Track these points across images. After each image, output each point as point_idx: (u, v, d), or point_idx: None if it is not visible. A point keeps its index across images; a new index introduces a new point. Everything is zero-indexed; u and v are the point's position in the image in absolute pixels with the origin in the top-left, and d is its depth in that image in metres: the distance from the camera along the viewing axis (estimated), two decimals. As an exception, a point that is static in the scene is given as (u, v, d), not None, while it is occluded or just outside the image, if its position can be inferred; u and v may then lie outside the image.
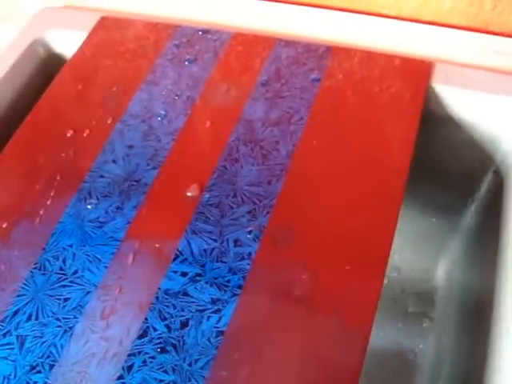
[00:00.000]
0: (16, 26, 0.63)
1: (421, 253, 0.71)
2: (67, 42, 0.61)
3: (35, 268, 0.44)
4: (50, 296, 0.42)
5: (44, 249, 0.45)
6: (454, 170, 0.61)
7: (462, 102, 0.53)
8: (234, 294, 0.41)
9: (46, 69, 0.61)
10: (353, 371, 0.37)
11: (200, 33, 0.58)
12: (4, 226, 0.46)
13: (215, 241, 0.43)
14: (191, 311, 0.40)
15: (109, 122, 0.52)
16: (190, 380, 0.38)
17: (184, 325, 0.40)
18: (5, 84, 0.57)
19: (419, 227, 0.67)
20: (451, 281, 0.69)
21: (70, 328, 0.41)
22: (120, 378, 0.38)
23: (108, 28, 0.60)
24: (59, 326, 0.41)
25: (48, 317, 0.41)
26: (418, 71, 0.53)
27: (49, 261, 0.44)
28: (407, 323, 0.70)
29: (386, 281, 0.72)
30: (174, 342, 0.39)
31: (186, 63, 0.55)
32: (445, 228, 0.68)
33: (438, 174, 0.61)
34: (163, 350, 0.39)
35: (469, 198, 0.63)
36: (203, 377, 0.38)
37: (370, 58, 0.54)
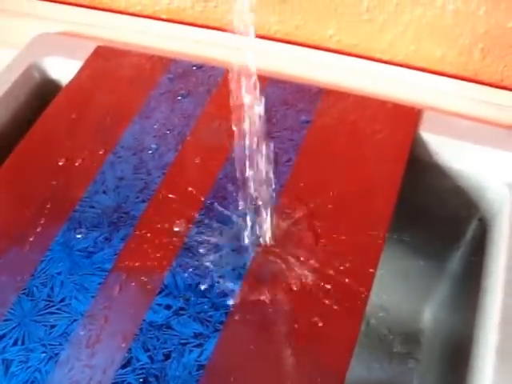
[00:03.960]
0: (12, 49, 0.67)
1: (409, 294, 0.74)
2: (62, 69, 0.65)
3: (23, 294, 0.47)
4: (37, 322, 0.46)
5: (33, 275, 0.48)
6: (442, 215, 0.65)
7: (448, 150, 0.58)
8: (216, 330, 0.45)
9: (40, 93, 0.65)
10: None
11: (194, 68, 0.62)
12: (-6, 250, 0.50)
13: (200, 276, 0.47)
14: (174, 344, 0.44)
15: (101, 152, 0.56)
16: (169, 412, 0.42)
17: (166, 357, 0.44)
18: (0, 106, 0.61)
19: (408, 269, 0.71)
20: (437, 323, 0.73)
21: (56, 354, 0.44)
22: (101, 406, 0.42)
23: (103, 57, 0.64)
24: (45, 352, 0.44)
25: (34, 342, 0.45)
26: (407, 117, 0.57)
27: (37, 287, 0.48)
28: (392, 363, 0.73)
29: (372, 320, 0.75)
30: (156, 373, 0.43)
31: (179, 98, 0.60)
32: (432, 271, 0.72)
33: (427, 219, 0.65)
34: (145, 381, 0.43)
35: (455, 244, 0.67)
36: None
37: (360, 101, 0.58)
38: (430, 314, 0.76)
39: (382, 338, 0.65)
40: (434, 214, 0.66)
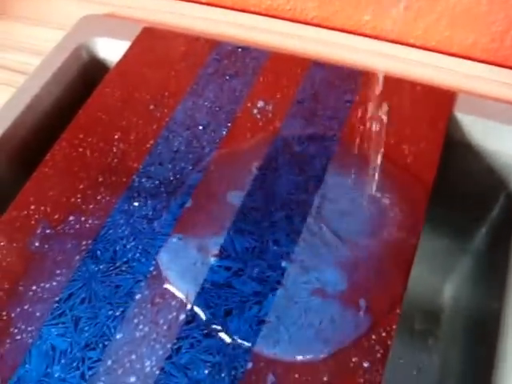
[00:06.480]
0: (58, 30, 0.72)
1: (429, 271, 0.79)
2: (110, 49, 0.70)
3: (87, 257, 0.52)
4: (102, 282, 0.50)
5: (95, 240, 0.53)
6: (469, 193, 0.70)
7: (481, 130, 0.63)
8: (274, 288, 0.49)
9: (89, 73, 0.70)
10: None
11: (239, 49, 0.67)
12: (56, 216, 0.54)
13: (256, 240, 0.52)
14: (234, 301, 0.49)
15: (154, 127, 0.60)
16: (233, 362, 0.46)
17: (228, 313, 0.48)
18: (52, 84, 0.66)
19: (430, 246, 0.75)
20: (458, 301, 0.77)
21: (122, 312, 0.49)
22: (169, 357, 0.47)
23: (150, 38, 0.69)
24: (111, 310, 0.49)
25: (100, 301, 0.49)
26: (443, 99, 0.62)
27: (100, 251, 0.52)
28: (413, 339, 0.78)
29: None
30: (218, 327, 0.48)
31: (227, 77, 0.64)
32: (455, 248, 0.77)
33: (453, 196, 0.70)
34: (209, 335, 0.48)
35: (480, 221, 0.72)
36: (246, 360, 0.46)
37: (398, 84, 0.63)
38: (450, 292, 0.81)
39: (403, 314, 0.70)
40: (461, 191, 0.70)
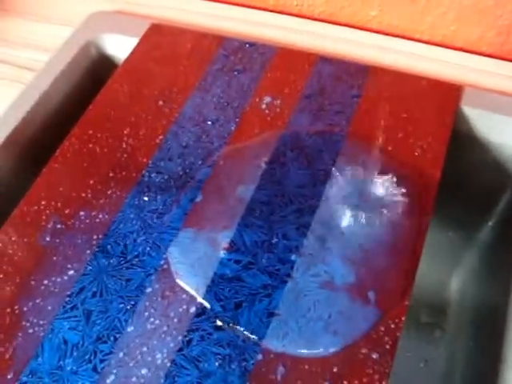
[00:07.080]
0: (65, 26, 0.72)
1: (436, 265, 0.80)
2: (119, 46, 0.70)
3: (98, 251, 0.52)
4: (113, 276, 0.51)
5: (106, 234, 0.53)
6: (475, 186, 0.70)
7: (488, 124, 0.63)
8: (283, 281, 0.50)
9: (97, 69, 0.71)
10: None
11: (247, 45, 0.67)
12: (67, 211, 0.55)
13: (265, 234, 0.52)
14: (244, 294, 0.49)
15: (164, 122, 0.61)
16: (243, 354, 0.47)
17: (238, 306, 0.49)
18: (60, 81, 0.67)
19: (436, 239, 0.76)
20: (464, 293, 0.78)
21: (133, 305, 0.49)
22: (180, 350, 0.47)
23: (158, 34, 0.69)
24: (122, 303, 0.49)
25: (111, 295, 0.50)
26: (449, 93, 0.62)
27: (111, 245, 0.53)
28: (419, 332, 0.78)
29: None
30: (228, 320, 0.48)
31: (235, 73, 0.65)
32: (461, 242, 0.77)
33: (459, 190, 0.71)
34: (219, 327, 0.48)
35: (486, 214, 0.73)
36: (256, 352, 0.47)
37: (404, 78, 0.64)
38: (457, 285, 0.81)
39: (410, 308, 0.70)
40: (468, 185, 0.71)
